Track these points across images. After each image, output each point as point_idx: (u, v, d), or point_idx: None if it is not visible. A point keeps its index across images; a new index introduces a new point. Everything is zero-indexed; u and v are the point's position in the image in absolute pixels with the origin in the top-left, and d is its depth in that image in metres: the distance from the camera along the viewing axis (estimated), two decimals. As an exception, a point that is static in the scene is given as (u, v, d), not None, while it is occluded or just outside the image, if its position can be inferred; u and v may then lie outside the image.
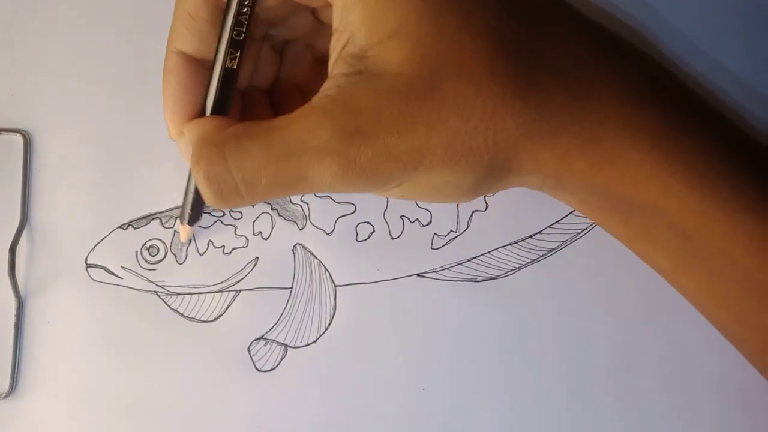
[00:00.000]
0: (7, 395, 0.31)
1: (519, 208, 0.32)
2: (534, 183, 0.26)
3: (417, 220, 0.32)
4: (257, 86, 0.30)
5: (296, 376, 0.31)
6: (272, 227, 0.32)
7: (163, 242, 0.32)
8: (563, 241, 0.32)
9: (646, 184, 0.25)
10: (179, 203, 0.32)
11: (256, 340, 0.31)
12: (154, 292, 0.32)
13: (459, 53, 0.23)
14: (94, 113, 0.33)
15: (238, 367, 0.31)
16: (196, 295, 0.32)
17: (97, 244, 0.32)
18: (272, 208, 0.32)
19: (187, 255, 0.32)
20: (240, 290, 0.32)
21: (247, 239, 0.32)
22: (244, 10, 0.26)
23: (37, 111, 0.33)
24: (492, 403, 0.31)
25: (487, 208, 0.32)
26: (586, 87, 0.24)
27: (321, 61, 0.29)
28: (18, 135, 0.32)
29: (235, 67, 0.26)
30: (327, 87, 0.24)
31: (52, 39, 0.33)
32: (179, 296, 0.32)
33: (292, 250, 0.32)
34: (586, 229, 0.32)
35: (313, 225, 0.32)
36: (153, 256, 0.32)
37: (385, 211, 0.32)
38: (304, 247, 0.32)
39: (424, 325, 0.32)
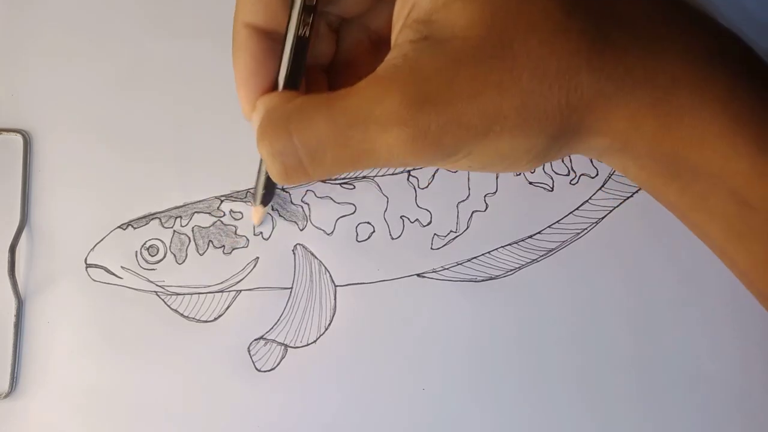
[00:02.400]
0: (7, 395, 0.31)
1: (519, 208, 0.32)
2: (598, 147, 0.25)
3: (417, 220, 0.32)
4: (315, 64, 0.29)
5: (296, 376, 0.31)
6: (273, 227, 0.32)
7: (162, 242, 0.32)
8: (563, 241, 0.32)
9: (712, 145, 0.24)
10: (179, 203, 0.32)
11: (256, 340, 0.31)
12: (154, 292, 0.32)
13: (528, 11, 0.22)
14: (94, 113, 0.33)
15: (238, 367, 0.31)
16: (196, 295, 0.32)
17: (96, 244, 0.32)
18: (273, 209, 0.32)
19: (186, 255, 0.32)
20: (240, 290, 0.32)
21: (247, 239, 0.32)
22: None
23: (37, 111, 0.33)
24: (492, 403, 0.31)
25: (487, 208, 0.32)
26: (658, 43, 0.24)
27: (376, 42, 0.29)
28: (18, 135, 0.32)
29: (307, 34, 0.26)
30: (392, 56, 0.23)
31: (52, 39, 0.33)
32: (179, 296, 0.32)
33: (293, 251, 0.32)
34: (585, 229, 0.32)
35: (313, 225, 0.32)
36: (153, 256, 0.32)
37: (385, 211, 0.32)
38: (305, 248, 0.32)
39: (424, 325, 0.32)
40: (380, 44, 0.26)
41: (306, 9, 0.25)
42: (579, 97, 0.22)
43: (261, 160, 0.28)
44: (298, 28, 0.25)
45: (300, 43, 0.26)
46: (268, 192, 0.29)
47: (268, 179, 0.29)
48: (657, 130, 0.24)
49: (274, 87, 0.26)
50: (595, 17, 0.23)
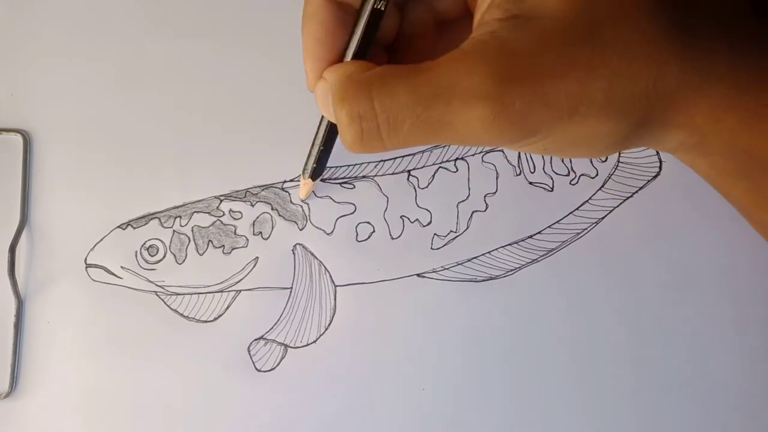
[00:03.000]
0: (7, 395, 0.31)
1: (519, 208, 0.32)
2: (674, 140, 0.25)
3: (417, 220, 0.32)
4: (377, 41, 0.28)
5: (296, 376, 0.31)
6: (272, 227, 0.32)
7: (162, 242, 0.32)
8: (563, 242, 0.32)
9: None
10: (178, 203, 0.32)
11: (256, 340, 0.31)
12: (154, 292, 0.32)
13: (618, 2, 0.22)
14: (94, 113, 0.33)
15: (238, 367, 0.31)
16: (196, 295, 0.32)
17: (96, 244, 0.32)
18: (272, 209, 0.32)
19: (186, 255, 0.32)
20: (240, 290, 0.32)
21: (246, 239, 0.32)
22: None
23: (37, 111, 0.33)
24: (492, 402, 0.31)
25: (487, 208, 0.32)
26: (743, 39, 0.23)
27: (440, 23, 0.29)
28: (18, 135, 0.32)
29: (384, 8, 0.25)
30: (478, 33, 0.23)
31: (52, 39, 0.33)
32: (179, 296, 0.32)
33: (292, 250, 0.32)
34: (586, 229, 0.32)
35: (313, 225, 0.32)
36: (152, 255, 0.32)
37: (385, 211, 0.32)
38: (304, 247, 0.32)
39: (423, 325, 0.32)
40: (444, 26, 0.26)
41: None
42: (665, 86, 0.22)
43: (318, 130, 0.28)
44: (375, 2, 0.25)
45: (374, 16, 0.25)
46: (320, 166, 0.29)
47: (322, 153, 0.29)
48: (735, 127, 0.23)
49: (339, 59, 0.26)
50: (684, 8, 0.23)
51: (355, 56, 0.26)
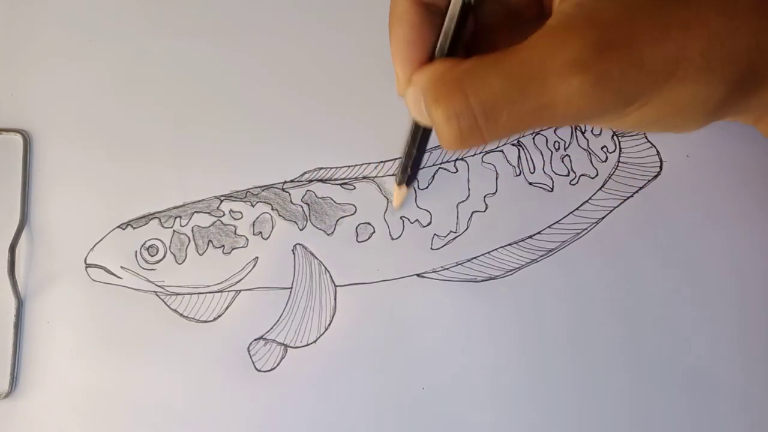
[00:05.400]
0: (7, 395, 0.31)
1: (519, 208, 0.32)
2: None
3: (417, 220, 0.32)
4: None
5: (296, 376, 0.31)
6: (272, 227, 0.32)
7: (162, 242, 0.32)
8: (563, 242, 0.32)
9: None
10: (178, 203, 0.32)
11: (256, 340, 0.31)
12: (154, 292, 0.32)
13: None
14: (94, 113, 0.33)
15: (238, 367, 0.31)
16: (196, 295, 0.32)
17: (96, 244, 0.32)
18: (272, 208, 0.32)
19: (186, 255, 0.32)
20: (240, 290, 0.32)
21: (246, 239, 0.32)
22: None
23: (37, 111, 0.33)
24: (491, 402, 0.31)
25: (487, 208, 0.32)
26: None
27: (513, 18, 0.28)
28: (18, 135, 0.32)
29: (473, 2, 0.25)
30: (563, 8, 0.22)
31: (52, 39, 0.33)
32: (179, 296, 0.32)
33: (292, 250, 0.32)
34: (586, 229, 0.32)
35: (313, 225, 0.32)
36: (152, 255, 0.32)
37: (385, 211, 0.32)
38: (304, 248, 0.32)
39: (424, 325, 0.32)
40: (517, 20, 0.26)
41: None
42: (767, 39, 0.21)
43: (410, 136, 0.28)
44: None
45: (464, 11, 0.25)
46: (414, 172, 0.29)
47: (416, 157, 0.28)
48: None
49: (429, 59, 0.26)
50: None
51: (449, 53, 0.25)
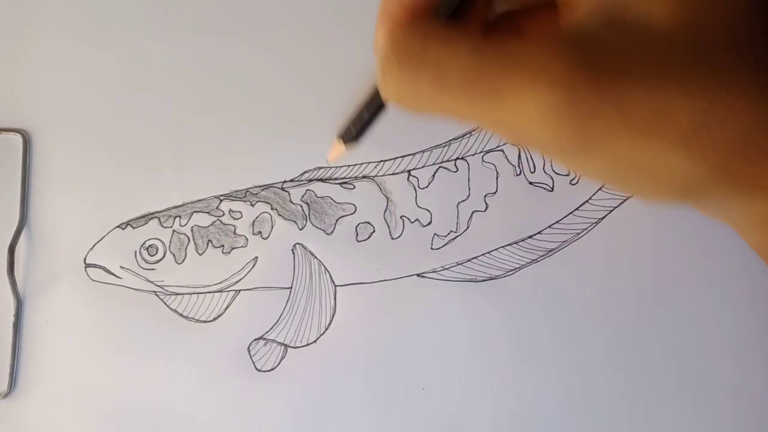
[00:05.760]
0: (6, 395, 0.31)
1: (519, 208, 0.32)
2: (749, 215, 0.21)
3: (417, 220, 0.32)
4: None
5: (296, 376, 0.31)
6: (272, 227, 0.32)
7: (162, 242, 0.32)
8: (563, 242, 0.32)
9: None
10: (178, 203, 0.32)
11: (256, 340, 0.31)
12: (153, 292, 0.32)
13: (729, 23, 0.19)
14: (94, 113, 0.33)
15: (238, 367, 0.31)
16: (196, 295, 0.32)
17: (96, 244, 0.32)
18: (272, 208, 0.32)
19: (186, 255, 0.32)
20: (239, 290, 0.32)
21: (246, 239, 0.32)
22: None
23: (37, 111, 0.33)
24: (491, 402, 0.31)
25: (487, 208, 0.32)
26: None
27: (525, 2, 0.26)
28: (18, 135, 0.32)
29: None
30: (566, 19, 0.21)
31: (52, 39, 0.33)
32: (178, 296, 0.32)
33: (292, 250, 0.32)
34: (585, 229, 0.32)
35: (313, 225, 0.32)
36: (152, 255, 0.32)
37: (385, 211, 0.32)
38: (304, 247, 0.32)
39: (424, 325, 0.32)
40: (529, 7, 0.24)
41: None
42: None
43: (367, 95, 0.26)
44: None
45: None
46: (357, 133, 0.26)
47: (367, 119, 0.26)
48: None
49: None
50: None
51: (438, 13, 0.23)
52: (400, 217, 0.32)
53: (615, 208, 0.32)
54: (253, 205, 0.32)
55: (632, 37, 0.19)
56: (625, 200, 0.33)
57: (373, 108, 0.26)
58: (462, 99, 0.20)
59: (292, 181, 0.33)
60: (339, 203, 0.32)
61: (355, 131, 0.27)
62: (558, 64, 0.19)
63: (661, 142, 0.19)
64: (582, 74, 0.19)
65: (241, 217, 0.32)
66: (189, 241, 0.32)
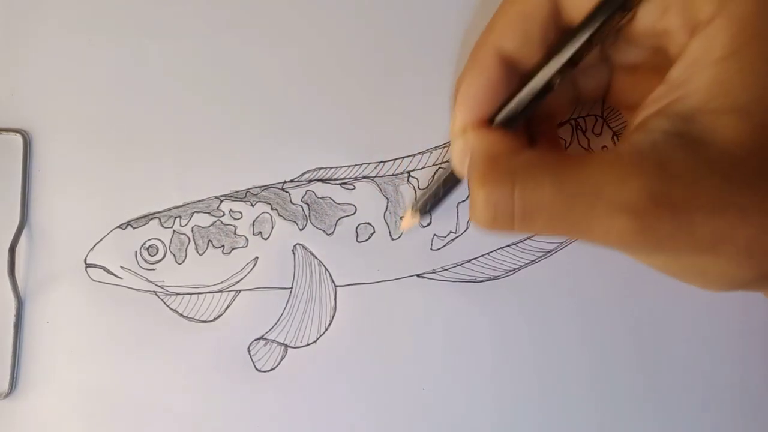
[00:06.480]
0: (7, 395, 0.31)
1: (518, 209, 0.32)
2: None
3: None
4: None
5: (296, 376, 0.31)
6: (272, 227, 0.32)
7: (162, 242, 0.32)
8: (562, 243, 0.32)
9: None
10: (178, 203, 0.32)
11: (256, 340, 0.31)
12: (154, 292, 0.32)
13: None
14: (94, 113, 0.33)
15: (238, 367, 0.31)
16: (196, 295, 0.32)
17: (96, 244, 0.32)
18: (272, 208, 0.32)
19: (186, 255, 0.32)
20: (240, 290, 0.32)
21: (246, 239, 0.32)
22: (603, 31, 0.24)
23: (37, 111, 0.33)
24: (491, 402, 0.31)
25: (486, 209, 0.33)
26: None
27: (576, 100, 0.29)
28: (18, 135, 0.32)
29: (556, 84, 0.25)
30: (639, 139, 0.22)
31: (52, 39, 0.33)
32: (179, 296, 0.32)
33: (292, 250, 0.32)
34: (584, 230, 0.32)
35: (313, 225, 0.32)
36: (152, 255, 0.32)
37: (385, 212, 0.32)
38: (304, 248, 0.32)
39: (423, 326, 0.32)
40: (579, 101, 0.27)
41: (571, 62, 0.24)
42: None
43: (441, 177, 0.29)
44: (552, 78, 0.25)
45: (545, 89, 0.25)
46: (431, 209, 0.30)
47: (441, 197, 0.29)
48: None
49: (489, 116, 0.26)
50: None
51: (508, 123, 0.26)
52: (401, 218, 0.32)
53: (614, 209, 0.33)
54: (253, 206, 0.32)
55: (702, 159, 0.21)
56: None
57: (449, 186, 0.29)
58: (552, 231, 0.23)
59: (292, 181, 0.33)
60: (339, 204, 0.32)
61: (430, 208, 0.30)
62: (636, 198, 0.21)
63: (719, 258, 0.22)
64: (659, 210, 0.21)
65: (242, 217, 0.32)
66: (189, 241, 0.32)
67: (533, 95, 0.25)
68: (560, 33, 0.25)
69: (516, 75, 0.26)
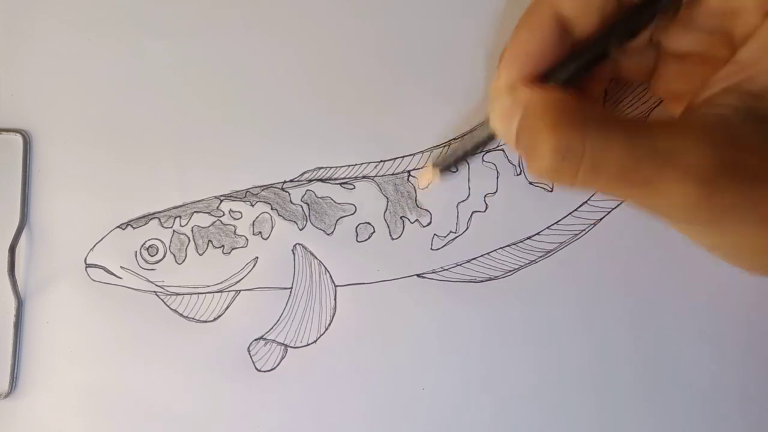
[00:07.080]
0: (7, 395, 0.31)
1: (518, 209, 0.33)
2: None
3: (417, 221, 0.32)
4: None
5: (296, 376, 0.31)
6: (272, 227, 0.32)
7: (162, 242, 0.32)
8: (561, 243, 0.32)
9: None
10: (178, 203, 0.32)
11: (256, 340, 0.31)
12: (154, 292, 0.32)
13: None
14: (94, 113, 0.33)
15: (238, 367, 0.31)
16: (196, 295, 0.32)
17: (96, 244, 0.32)
18: (272, 208, 0.32)
19: (186, 255, 0.32)
20: (240, 290, 0.32)
21: (246, 239, 0.32)
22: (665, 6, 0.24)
23: (37, 111, 0.33)
24: (491, 402, 0.31)
25: (486, 208, 0.33)
26: None
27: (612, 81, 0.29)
28: (18, 135, 0.32)
29: (610, 55, 0.25)
30: (705, 111, 0.23)
31: (52, 39, 0.33)
32: (179, 296, 0.32)
33: (292, 250, 0.32)
34: (584, 230, 0.32)
35: (313, 225, 0.32)
36: (152, 255, 0.32)
37: (385, 211, 0.32)
38: (304, 248, 0.32)
39: (423, 326, 0.32)
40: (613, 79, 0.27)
41: (630, 32, 0.24)
42: None
43: (473, 139, 0.27)
44: (611, 45, 0.25)
45: (600, 55, 0.25)
46: (455, 166, 0.29)
47: (467, 155, 0.28)
48: None
49: (536, 79, 0.25)
50: None
51: (563, 82, 0.25)
52: (400, 217, 0.32)
53: (613, 209, 0.33)
54: (253, 206, 0.32)
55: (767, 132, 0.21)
56: (622, 202, 0.33)
57: (479, 146, 0.28)
58: (614, 188, 0.22)
59: (292, 181, 0.33)
60: (339, 203, 0.32)
61: (454, 167, 0.29)
62: (706, 164, 0.21)
63: None
64: (727, 177, 0.21)
65: (242, 217, 0.32)
66: (189, 241, 0.32)
67: (591, 59, 0.25)
68: (618, 6, 0.25)
69: (567, 39, 0.25)
